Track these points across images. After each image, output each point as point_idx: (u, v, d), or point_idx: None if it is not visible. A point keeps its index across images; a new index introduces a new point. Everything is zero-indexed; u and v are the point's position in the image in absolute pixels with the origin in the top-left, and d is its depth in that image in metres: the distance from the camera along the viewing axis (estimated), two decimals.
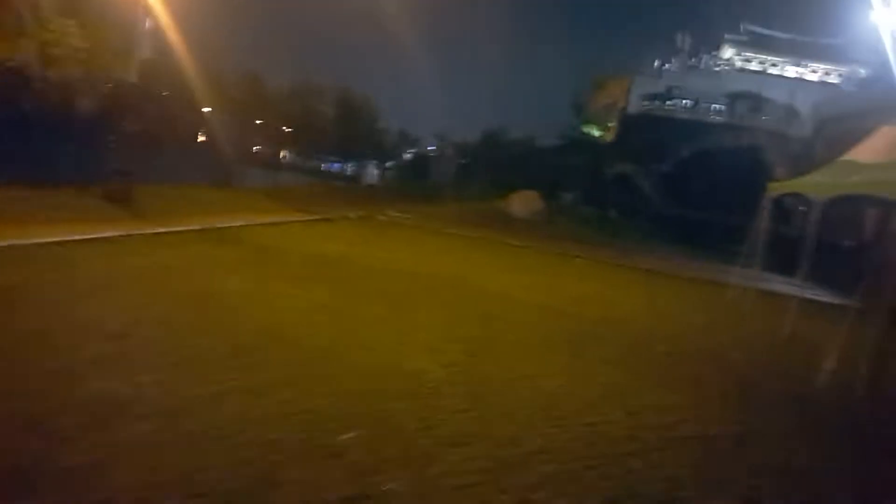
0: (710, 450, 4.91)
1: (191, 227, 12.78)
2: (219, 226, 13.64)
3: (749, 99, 51.96)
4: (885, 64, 28.51)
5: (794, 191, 11.85)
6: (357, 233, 17.00)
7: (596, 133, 75.63)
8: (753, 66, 60.28)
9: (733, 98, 52.94)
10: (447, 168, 60.34)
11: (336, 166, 67.69)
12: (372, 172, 65.60)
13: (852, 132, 16.03)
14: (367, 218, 21.30)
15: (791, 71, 58.06)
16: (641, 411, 5.49)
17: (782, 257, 15.00)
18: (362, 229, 18.19)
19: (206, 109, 29.77)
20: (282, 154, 63.50)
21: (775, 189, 12.82)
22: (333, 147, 56.44)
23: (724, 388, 6.84)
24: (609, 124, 73.95)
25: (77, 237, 9.85)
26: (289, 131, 51.54)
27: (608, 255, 19.84)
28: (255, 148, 54.67)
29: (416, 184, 54.28)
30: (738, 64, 60.56)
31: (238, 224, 14.47)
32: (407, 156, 70.52)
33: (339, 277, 9.96)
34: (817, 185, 10.26)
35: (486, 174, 53.04)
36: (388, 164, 71.13)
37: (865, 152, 10.67)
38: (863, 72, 47.39)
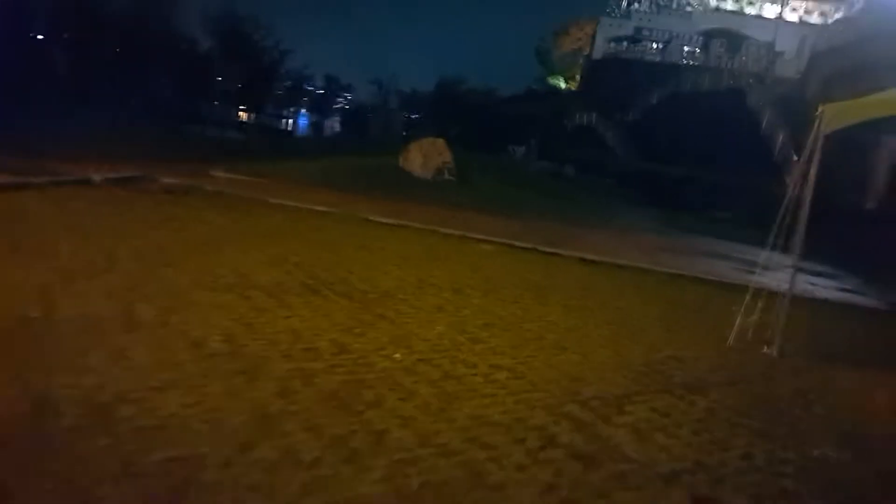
0: None
1: None
2: None
3: (725, 37, 46.62)
4: None
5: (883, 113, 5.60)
6: (30, 216, 5.71)
7: (562, 83, 69.89)
8: (728, 5, 55.52)
9: (708, 37, 47.58)
10: (389, 120, 53.22)
11: (303, 122, 60.04)
12: (302, 124, 57.88)
13: (854, 68, 11.30)
14: (137, 181, 10.23)
15: (769, 10, 52.96)
16: None
17: (851, 236, 9.13)
18: (68, 205, 6.31)
19: None
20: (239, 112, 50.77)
21: (836, 118, 5.57)
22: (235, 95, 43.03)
23: None
24: (576, 73, 68.25)
25: None
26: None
27: (541, 235, 11.03)
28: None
29: (346, 139, 46.66)
30: (713, 3, 55.64)
31: None
32: (338, 106, 61.99)
33: None
34: None
35: (434, 128, 46.90)
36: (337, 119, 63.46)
37: None
38: (849, 7, 42.43)
